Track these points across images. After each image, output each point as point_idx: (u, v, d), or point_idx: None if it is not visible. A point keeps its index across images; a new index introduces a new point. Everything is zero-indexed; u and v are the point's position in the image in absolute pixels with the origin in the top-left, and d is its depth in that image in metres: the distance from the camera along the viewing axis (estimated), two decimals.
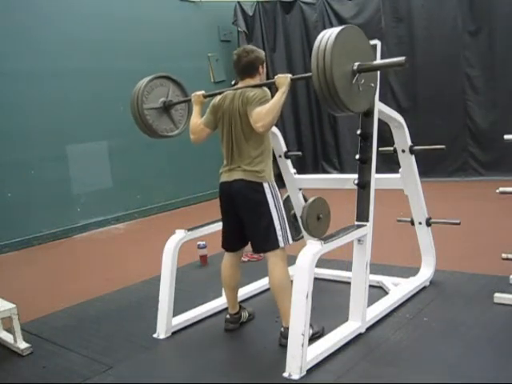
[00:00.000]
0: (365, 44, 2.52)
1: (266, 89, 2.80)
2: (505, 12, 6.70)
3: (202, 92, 3.08)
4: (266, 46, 8.46)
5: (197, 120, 2.98)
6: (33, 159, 6.15)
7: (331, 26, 8.08)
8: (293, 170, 3.73)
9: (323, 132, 8.50)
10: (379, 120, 3.05)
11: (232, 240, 3.02)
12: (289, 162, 3.75)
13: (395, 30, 7.56)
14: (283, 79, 2.67)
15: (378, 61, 2.54)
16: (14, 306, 3.06)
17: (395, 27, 7.56)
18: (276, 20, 8.48)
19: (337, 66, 2.28)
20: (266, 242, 2.80)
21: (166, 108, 3.38)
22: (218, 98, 2.94)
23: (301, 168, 3.94)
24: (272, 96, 2.71)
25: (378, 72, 2.92)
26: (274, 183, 2.83)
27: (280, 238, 2.77)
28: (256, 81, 2.88)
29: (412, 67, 7.52)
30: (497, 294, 3.10)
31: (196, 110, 3.05)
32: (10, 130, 5.94)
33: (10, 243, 5.92)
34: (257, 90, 2.75)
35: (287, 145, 3.89)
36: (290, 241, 2.84)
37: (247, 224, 2.88)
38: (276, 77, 2.71)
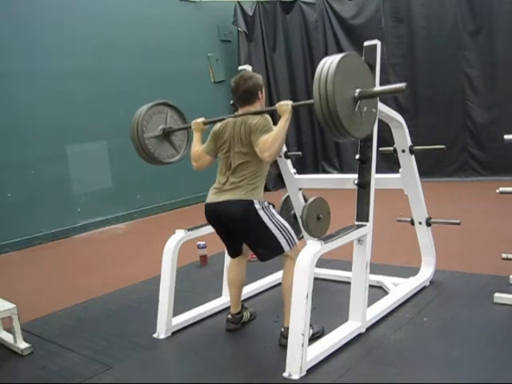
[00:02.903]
0: (365, 70, 2.54)
1: (267, 115, 2.80)
2: (505, 11, 6.70)
3: (202, 119, 3.07)
4: (266, 46, 8.46)
5: (198, 147, 2.99)
6: (33, 159, 6.15)
7: (331, 25, 8.11)
8: (293, 170, 3.72)
9: (323, 132, 8.48)
10: (379, 120, 3.04)
11: (235, 249, 3.05)
12: (289, 162, 3.75)
13: (395, 30, 7.57)
14: (285, 107, 2.67)
15: (379, 87, 2.54)
16: (14, 305, 3.06)
17: (395, 27, 7.57)
18: (276, 20, 8.47)
19: (339, 94, 2.29)
20: (270, 252, 2.82)
21: (166, 135, 3.38)
22: (219, 125, 2.94)
23: (301, 168, 3.94)
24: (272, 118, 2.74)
25: (378, 72, 2.94)
26: (262, 199, 2.80)
27: (284, 245, 2.77)
28: (256, 107, 2.87)
29: (412, 67, 7.53)
30: (497, 294, 3.10)
31: (196, 137, 3.04)
32: (10, 129, 5.94)
33: (10, 243, 5.92)
34: (259, 118, 2.75)
35: (287, 145, 3.89)
36: (296, 241, 2.82)
37: (246, 242, 2.93)
38: (277, 105, 2.71)
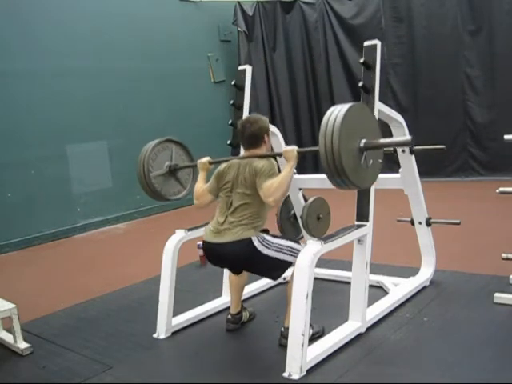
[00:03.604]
0: (371, 120, 2.53)
1: (272, 160, 2.82)
2: (505, 11, 6.71)
3: (208, 159, 3.10)
4: (266, 46, 8.46)
5: (202, 185, 3.01)
6: (33, 159, 6.15)
7: (331, 25, 8.11)
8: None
9: None
10: (379, 120, 3.05)
11: (238, 272, 3.07)
12: None
13: (395, 30, 7.57)
14: (291, 153, 2.68)
15: (384, 140, 2.52)
16: (14, 305, 3.06)
17: (395, 27, 7.57)
18: (276, 20, 8.48)
19: (344, 146, 2.28)
20: (279, 272, 2.81)
21: (172, 172, 3.38)
22: (224, 165, 2.95)
23: (301, 168, 3.93)
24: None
25: (378, 72, 2.94)
26: (259, 233, 2.79)
27: (290, 259, 2.75)
28: (262, 150, 2.88)
29: (412, 67, 7.53)
30: (497, 294, 3.10)
31: (201, 175, 3.08)
32: (10, 129, 5.94)
33: (10, 243, 5.92)
34: (264, 162, 2.76)
35: (287, 145, 3.89)
36: (299, 248, 2.80)
37: (251, 271, 2.96)
38: (283, 150, 2.74)
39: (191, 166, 3.41)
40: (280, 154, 2.79)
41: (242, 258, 2.76)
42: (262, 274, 2.94)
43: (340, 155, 2.25)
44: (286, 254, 2.76)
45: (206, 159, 3.10)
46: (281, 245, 2.77)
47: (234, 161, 2.93)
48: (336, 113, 2.33)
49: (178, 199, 3.42)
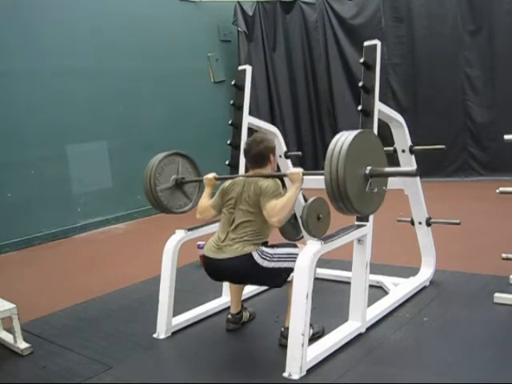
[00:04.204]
0: (377, 147, 2.52)
1: (278, 180, 2.83)
2: (505, 11, 6.71)
3: (214, 175, 3.13)
4: (266, 46, 8.46)
5: (206, 201, 3.04)
6: (33, 159, 6.15)
7: (331, 25, 8.10)
8: None
9: (323, 132, 8.50)
10: (379, 120, 3.05)
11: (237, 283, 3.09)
12: (289, 161, 3.75)
13: (395, 30, 7.57)
14: (296, 175, 2.70)
15: (390, 168, 2.51)
16: (14, 305, 3.06)
17: (395, 27, 7.57)
18: (276, 20, 8.47)
19: (349, 173, 2.28)
20: (282, 279, 2.80)
21: (178, 185, 3.39)
22: (229, 182, 2.97)
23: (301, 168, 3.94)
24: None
25: (378, 72, 2.94)
26: (259, 246, 2.78)
27: (291, 265, 2.73)
28: (267, 170, 2.91)
29: (412, 67, 7.53)
30: (497, 294, 3.10)
31: (207, 191, 3.11)
32: (10, 129, 5.94)
33: (10, 243, 5.92)
34: (270, 182, 2.77)
35: (287, 145, 3.89)
36: (297, 252, 2.79)
37: (253, 284, 3.03)
38: (288, 172, 2.77)
39: (197, 181, 3.43)
40: (285, 175, 2.82)
41: (242, 273, 2.76)
42: (266, 284, 2.96)
43: (345, 182, 2.26)
44: (285, 261, 2.75)
45: (211, 175, 3.13)
46: (280, 254, 2.77)
47: (239, 178, 2.96)
48: (343, 139, 2.33)
49: (183, 212, 3.44)
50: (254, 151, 2.87)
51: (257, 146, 2.87)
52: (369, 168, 2.40)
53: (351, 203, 2.30)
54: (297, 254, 2.72)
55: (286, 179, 3.03)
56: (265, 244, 2.82)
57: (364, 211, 2.47)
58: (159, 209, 3.36)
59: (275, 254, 2.76)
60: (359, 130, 2.42)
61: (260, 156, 2.88)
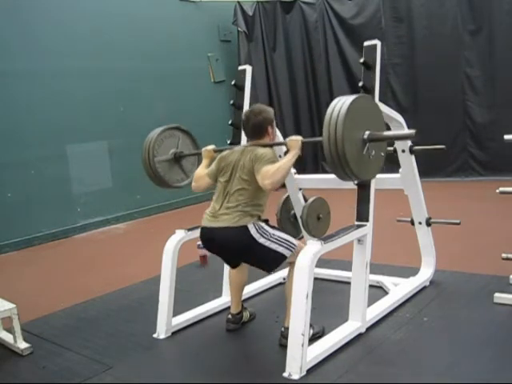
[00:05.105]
0: (376, 112, 2.53)
1: (275, 150, 2.83)
2: (505, 11, 6.70)
3: (213, 147, 3.13)
4: (266, 46, 8.47)
5: (202, 170, 3.04)
6: (33, 159, 6.14)
7: (331, 26, 8.11)
8: (293, 170, 3.72)
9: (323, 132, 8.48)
10: None
11: (235, 264, 3.06)
12: None
13: (395, 30, 7.57)
14: (295, 142, 2.70)
15: (388, 132, 2.54)
16: (14, 305, 3.06)
17: (395, 27, 7.57)
18: (276, 20, 8.48)
19: (348, 136, 2.29)
20: (273, 264, 2.80)
21: (177, 159, 3.40)
22: (227, 151, 2.97)
23: (301, 168, 3.94)
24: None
25: (378, 72, 2.93)
26: (256, 220, 2.76)
27: (284, 252, 2.74)
28: (265, 141, 2.89)
29: (412, 67, 7.54)
30: (497, 294, 3.10)
31: (204, 162, 3.11)
32: (10, 129, 5.94)
33: (10, 243, 5.92)
34: (266, 150, 2.77)
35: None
36: (295, 242, 2.81)
37: (247, 262, 2.94)
38: (288, 139, 2.75)
39: (196, 154, 3.42)
40: (284, 143, 2.78)
41: (236, 245, 2.74)
42: (256, 264, 2.88)
43: (343, 145, 2.27)
44: (281, 246, 2.74)
45: (211, 147, 3.13)
46: (278, 236, 2.76)
47: (238, 147, 2.95)
48: (341, 103, 2.35)
49: (179, 187, 3.43)
50: (252, 122, 2.85)
51: (255, 117, 2.84)
52: (367, 132, 2.41)
53: (349, 166, 2.31)
54: (295, 245, 2.75)
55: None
56: (265, 222, 2.81)
57: (362, 175, 2.46)
58: (156, 181, 3.34)
59: (274, 235, 2.75)
60: (357, 95, 2.43)
61: (258, 127, 2.85)
